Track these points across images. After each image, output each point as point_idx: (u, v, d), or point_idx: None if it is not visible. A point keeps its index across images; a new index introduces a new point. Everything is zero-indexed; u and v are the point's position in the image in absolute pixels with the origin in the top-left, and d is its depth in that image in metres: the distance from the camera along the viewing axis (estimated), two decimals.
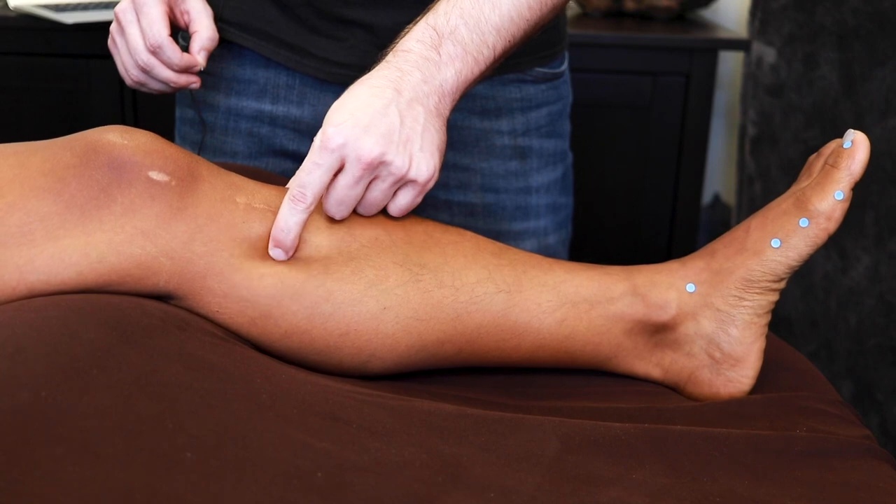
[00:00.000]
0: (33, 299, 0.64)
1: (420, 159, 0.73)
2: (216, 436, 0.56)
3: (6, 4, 1.74)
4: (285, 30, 0.97)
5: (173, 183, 0.68)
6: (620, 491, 0.61)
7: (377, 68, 0.75)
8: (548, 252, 1.07)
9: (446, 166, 1.02)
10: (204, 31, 0.90)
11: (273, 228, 0.70)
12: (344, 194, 0.71)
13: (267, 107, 1.01)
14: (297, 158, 1.02)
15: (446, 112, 0.76)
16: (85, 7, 1.69)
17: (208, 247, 0.68)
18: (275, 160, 1.03)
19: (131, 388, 0.57)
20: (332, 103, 0.99)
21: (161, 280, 0.67)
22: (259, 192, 0.72)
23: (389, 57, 0.75)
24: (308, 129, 1.01)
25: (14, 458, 0.49)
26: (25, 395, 0.53)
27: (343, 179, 0.71)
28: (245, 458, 0.56)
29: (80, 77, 1.73)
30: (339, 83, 0.97)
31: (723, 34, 1.76)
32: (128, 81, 0.91)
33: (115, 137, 0.68)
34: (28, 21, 1.69)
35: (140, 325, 0.63)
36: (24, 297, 0.65)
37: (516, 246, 1.03)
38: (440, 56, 0.75)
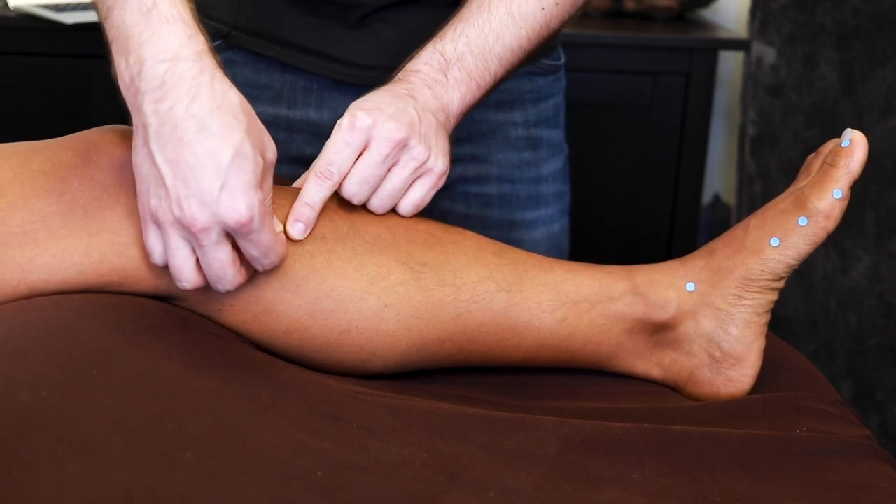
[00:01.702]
0: (34, 299, 0.64)
1: (437, 152, 0.76)
2: (216, 435, 0.56)
3: (6, 4, 1.74)
4: (307, 35, 0.97)
5: None
6: (620, 491, 0.61)
7: (389, 84, 0.78)
8: (554, 239, 1.08)
9: (465, 159, 1.02)
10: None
11: (296, 204, 0.71)
12: (368, 173, 0.73)
13: (283, 111, 1.00)
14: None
15: (450, 130, 0.79)
16: (85, 7, 1.69)
17: None
18: (289, 167, 1.02)
19: (131, 388, 0.57)
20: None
21: (163, 281, 0.67)
22: None
23: (400, 75, 0.79)
24: (327, 132, 1.00)
25: (14, 458, 0.49)
26: (25, 395, 0.53)
27: (369, 158, 0.73)
28: (245, 458, 0.56)
29: (80, 77, 1.73)
30: (364, 85, 0.97)
31: (723, 34, 1.76)
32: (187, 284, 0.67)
33: (117, 137, 0.68)
34: (28, 21, 1.69)
35: (140, 325, 0.63)
36: (26, 297, 0.65)
37: (527, 234, 1.05)
38: (447, 79, 0.79)
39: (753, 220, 0.75)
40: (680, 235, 1.77)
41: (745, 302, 0.75)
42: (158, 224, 0.64)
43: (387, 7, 0.94)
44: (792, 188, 0.76)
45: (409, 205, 0.76)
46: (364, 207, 0.75)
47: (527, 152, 1.04)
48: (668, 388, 0.79)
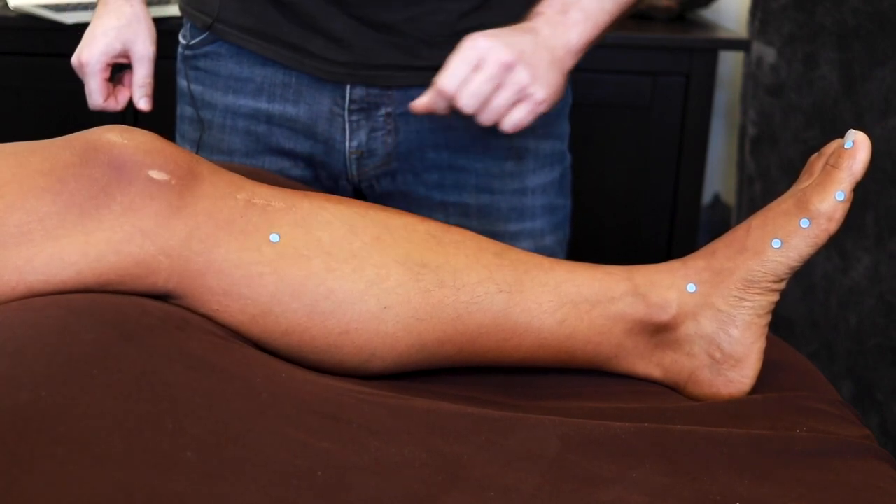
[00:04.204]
0: (33, 299, 0.64)
1: (541, 81, 0.86)
2: (216, 436, 0.56)
3: (6, 4, 1.74)
4: (286, 31, 0.98)
5: (173, 182, 0.68)
6: (621, 490, 0.61)
7: (516, 24, 0.89)
8: (545, 253, 1.07)
9: (441, 167, 1.02)
10: (136, 78, 1.05)
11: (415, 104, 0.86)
12: (477, 88, 0.84)
13: (263, 105, 1.02)
14: (294, 156, 1.03)
15: (566, 68, 0.89)
16: (85, 7, 1.69)
17: (206, 244, 0.68)
18: (272, 158, 1.03)
19: (131, 388, 0.57)
20: (327, 103, 1.01)
21: (160, 279, 0.67)
22: (259, 190, 0.72)
23: (527, 17, 0.89)
24: (303, 129, 1.02)
25: (14, 458, 0.49)
26: (25, 395, 0.53)
27: (479, 75, 0.84)
28: (245, 458, 0.56)
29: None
30: (339, 82, 0.98)
31: (723, 34, 1.76)
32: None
33: (115, 137, 0.68)
34: (28, 21, 1.69)
35: (140, 325, 0.63)
36: (24, 297, 0.65)
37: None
38: (567, 19, 0.89)
39: (755, 221, 0.75)
40: (680, 235, 1.77)
41: (745, 303, 0.74)
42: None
43: (368, 4, 0.95)
44: (794, 189, 0.75)
45: (509, 124, 0.86)
46: (361, 207, 0.75)
47: (509, 163, 1.03)
48: (669, 389, 0.79)
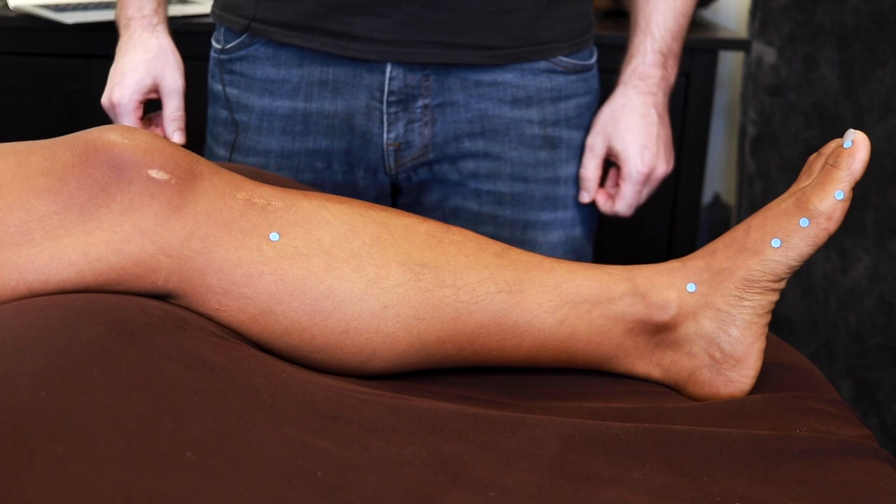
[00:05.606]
0: (33, 299, 0.64)
1: (670, 159, 1.06)
2: (216, 435, 0.56)
3: (6, 4, 1.74)
4: (326, 18, 0.99)
5: (173, 181, 0.68)
6: (621, 490, 0.61)
7: (635, 90, 1.03)
8: (574, 244, 1.08)
9: (477, 155, 1.03)
10: (167, 112, 1.05)
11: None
12: (639, 201, 1.08)
13: (300, 104, 1.03)
14: (330, 155, 1.04)
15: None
16: (85, 7, 1.69)
17: (205, 243, 0.68)
18: (307, 158, 1.04)
19: (131, 388, 0.57)
20: (364, 98, 1.04)
21: (160, 278, 0.67)
22: (259, 189, 0.72)
23: (636, 81, 1.03)
24: (340, 124, 1.02)
25: (14, 458, 0.49)
26: (25, 395, 0.53)
27: (645, 191, 1.08)
28: (245, 458, 0.56)
29: (80, 77, 1.73)
30: (382, 61, 0.99)
31: (723, 34, 1.76)
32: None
33: (116, 136, 0.68)
34: (28, 21, 1.69)
35: (140, 325, 0.63)
36: (24, 297, 0.65)
37: (542, 236, 1.05)
38: (668, 71, 1.04)
39: (755, 221, 0.75)
40: (680, 235, 1.77)
41: (745, 303, 0.74)
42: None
43: None
44: (793, 188, 0.75)
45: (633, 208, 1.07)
46: (361, 206, 0.75)
47: (543, 151, 1.04)
48: (669, 389, 0.79)
